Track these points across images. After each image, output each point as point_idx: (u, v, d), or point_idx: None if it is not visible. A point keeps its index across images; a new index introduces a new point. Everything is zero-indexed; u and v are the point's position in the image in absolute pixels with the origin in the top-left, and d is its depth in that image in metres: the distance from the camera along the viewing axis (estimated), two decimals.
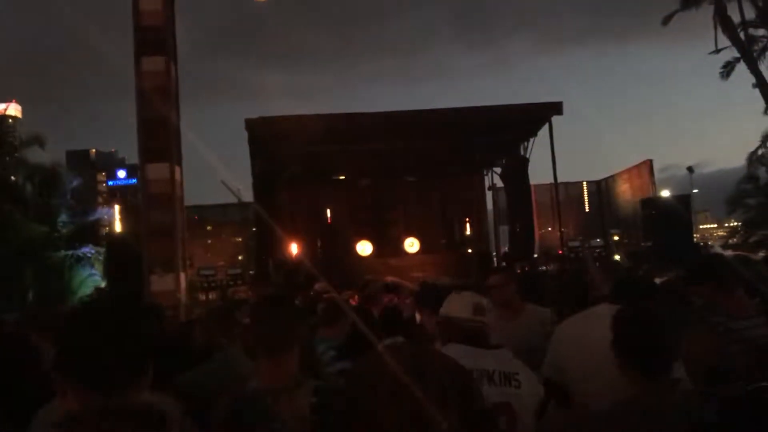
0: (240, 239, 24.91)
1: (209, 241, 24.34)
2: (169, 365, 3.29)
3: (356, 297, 7.79)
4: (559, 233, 18.68)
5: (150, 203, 9.56)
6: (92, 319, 1.75)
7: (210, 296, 15.99)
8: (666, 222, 16.35)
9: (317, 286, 8.19)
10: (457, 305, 3.14)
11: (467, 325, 3.04)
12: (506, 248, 21.24)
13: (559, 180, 17.97)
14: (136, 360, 1.67)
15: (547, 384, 3.11)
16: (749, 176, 20.64)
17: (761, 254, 13.30)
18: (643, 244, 17.64)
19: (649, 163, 20.44)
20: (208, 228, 24.36)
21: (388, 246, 20.14)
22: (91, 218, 21.41)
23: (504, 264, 20.01)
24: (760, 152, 20.61)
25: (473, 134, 17.23)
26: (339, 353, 4.38)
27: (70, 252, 19.03)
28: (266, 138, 16.32)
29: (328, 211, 20.55)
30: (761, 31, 21.01)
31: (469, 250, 20.45)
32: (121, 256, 12.05)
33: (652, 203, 17.48)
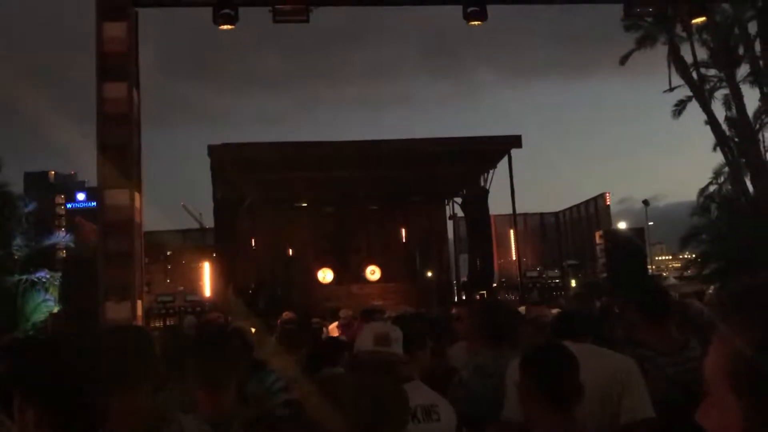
0: (200, 265, 24.64)
1: (169, 267, 24.03)
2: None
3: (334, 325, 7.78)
4: (517, 263, 18.96)
5: (108, 230, 9.48)
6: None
7: (168, 323, 15.77)
8: (622, 254, 16.72)
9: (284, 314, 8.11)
10: (362, 337, 2.98)
11: (370, 357, 2.85)
12: (466, 277, 21.44)
13: (518, 211, 18.30)
14: None
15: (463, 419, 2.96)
16: (701, 210, 21.23)
17: (712, 288, 13.72)
18: (598, 274, 17.98)
19: (605, 196, 20.96)
20: (168, 253, 24.06)
21: (350, 273, 20.18)
22: (48, 242, 21.01)
23: (463, 293, 20.23)
24: (711, 188, 21.32)
25: (435, 164, 17.48)
26: (287, 384, 4.40)
27: (24, 276, 18.65)
28: (228, 164, 16.35)
29: (290, 237, 20.52)
30: (712, 71, 21.82)
31: (430, 279, 20.58)
32: (76, 282, 11.86)
33: (608, 235, 17.88)
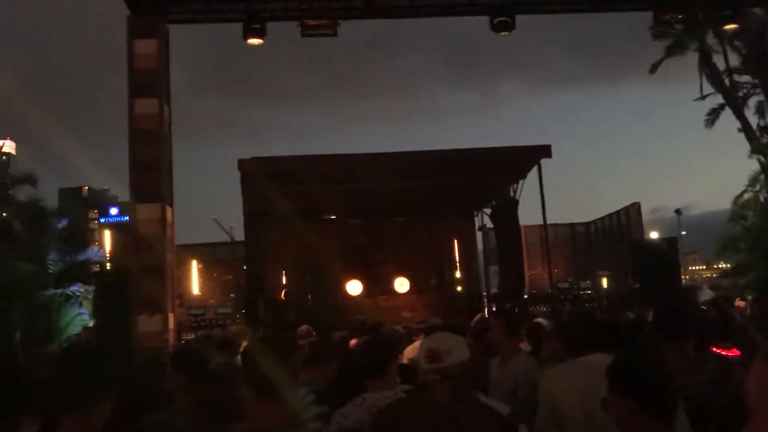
0: (231, 277, 24.85)
1: (200, 280, 24.23)
2: (136, 406, 3.32)
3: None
4: (548, 274, 18.75)
5: (140, 244, 9.59)
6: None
7: (199, 335, 15.89)
8: (655, 264, 16.47)
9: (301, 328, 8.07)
10: (418, 353, 2.90)
11: (426, 376, 2.78)
12: (496, 288, 21.26)
13: (549, 221, 18.10)
14: None
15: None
16: (737, 218, 20.83)
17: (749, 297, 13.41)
18: (631, 285, 17.71)
19: (637, 206, 20.64)
20: (199, 266, 24.29)
21: (378, 285, 20.14)
22: (82, 257, 21.32)
23: (493, 304, 20.06)
24: (746, 196, 20.88)
25: (464, 176, 17.40)
26: (318, 397, 4.32)
27: (58, 291, 18.93)
28: (258, 177, 16.44)
29: (319, 250, 20.56)
30: (745, 78, 21.47)
31: (459, 290, 20.47)
32: (110, 296, 12.01)
33: (641, 245, 17.63)
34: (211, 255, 24.36)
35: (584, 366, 3.18)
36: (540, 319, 7.81)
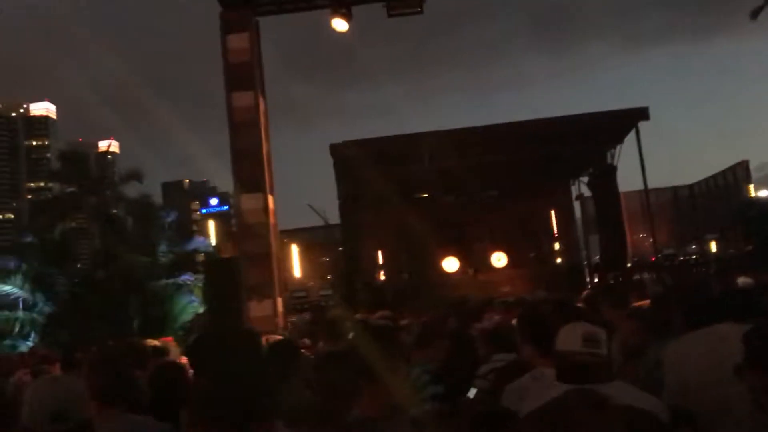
0: (327, 259, 25.41)
1: (299, 264, 24.91)
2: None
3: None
4: (651, 241, 18.15)
5: (246, 233, 9.96)
6: None
7: (304, 317, 16.36)
8: (766, 224, 15.65)
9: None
10: (566, 337, 2.84)
11: (576, 358, 2.73)
12: (597, 258, 20.76)
13: (649, 186, 17.49)
14: None
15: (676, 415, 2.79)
16: None
17: None
18: (742, 248, 16.90)
19: (745, 164, 19.62)
20: (298, 251, 24.94)
21: (475, 261, 20.02)
22: (189, 247, 22.33)
23: (596, 275, 19.60)
24: None
25: (558, 144, 17.01)
26: (433, 378, 4.30)
27: (170, 280, 19.93)
28: (349, 161, 16.68)
29: (413, 229, 20.66)
30: None
31: (559, 262, 20.11)
32: (219, 283, 12.54)
33: (750, 205, 16.77)
34: (308, 239, 24.98)
35: (708, 335, 3.09)
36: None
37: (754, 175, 19.36)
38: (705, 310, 3.37)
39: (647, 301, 6.47)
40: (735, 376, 2.30)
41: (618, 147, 17.40)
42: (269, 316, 9.39)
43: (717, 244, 19.60)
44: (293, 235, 23.62)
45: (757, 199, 17.82)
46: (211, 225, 56.21)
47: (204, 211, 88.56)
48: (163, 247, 21.03)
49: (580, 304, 7.14)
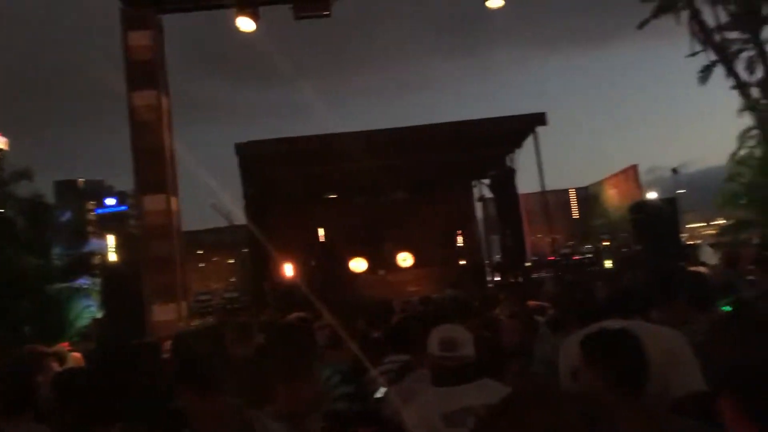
0: (232, 261, 25.03)
1: (201, 265, 24.39)
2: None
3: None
4: (549, 240, 18.93)
5: (148, 235, 9.69)
6: None
7: (207, 321, 16.04)
8: (654, 225, 16.57)
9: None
10: (429, 342, 2.94)
11: (435, 363, 2.85)
12: (498, 257, 21.45)
13: (548, 187, 18.21)
14: None
15: None
16: (735, 175, 20.93)
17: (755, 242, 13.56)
18: (632, 248, 17.87)
19: (635, 168, 20.79)
20: (199, 252, 24.43)
21: (382, 261, 20.28)
22: (85, 249, 21.44)
23: (497, 274, 20.27)
24: (741, 152, 20.94)
25: (460, 148, 17.46)
26: (344, 378, 4.45)
27: (66, 284, 19.07)
28: (256, 161, 16.51)
29: (321, 230, 20.68)
30: (735, 34, 21.39)
31: (463, 262, 20.63)
32: (118, 287, 12.14)
33: (639, 207, 17.73)
34: (211, 241, 24.49)
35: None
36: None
37: (644, 177, 20.54)
38: (594, 308, 3.61)
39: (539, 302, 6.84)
40: (572, 377, 2.48)
41: (517, 150, 18.04)
42: (172, 321, 9.18)
43: (609, 243, 20.65)
44: (195, 236, 23.10)
45: (646, 202, 18.86)
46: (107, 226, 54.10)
47: (99, 211, 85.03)
48: (57, 249, 20.08)
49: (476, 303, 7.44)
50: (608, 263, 18.88)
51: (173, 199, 9.99)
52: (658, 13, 21.88)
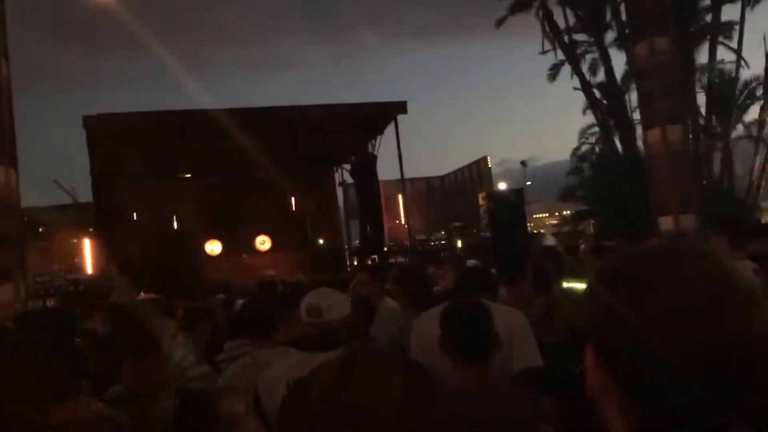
0: (76, 241, 23.58)
1: (43, 244, 22.80)
2: None
3: None
4: (406, 227, 19.44)
5: None
6: None
7: (49, 303, 15.02)
8: (503, 214, 17.46)
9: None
10: (301, 306, 3.03)
11: (303, 329, 2.93)
12: (357, 242, 21.75)
13: (406, 176, 18.68)
14: None
15: None
16: (574, 170, 22.49)
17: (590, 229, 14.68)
18: (483, 235, 18.73)
19: (486, 159, 21.81)
20: (41, 230, 22.84)
21: (239, 245, 19.92)
22: None
23: (355, 258, 20.54)
24: (583, 148, 22.56)
25: (322, 132, 17.48)
26: (198, 359, 4.41)
27: None
28: (105, 136, 15.61)
29: (175, 210, 19.95)
30: (582, 36, 22.91)
31: (322, 245, 20.71)
32: None
33: (490, 197, 18.60)
34: (53, 218, 22.89)
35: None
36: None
37: (495, 169, 21.57)
38: (427, 293, 3.86)
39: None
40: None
41: (379, 137, 18.35)
42: (11, 302, 8.51)
43: (460, 230, 21.50)
44: (36, 213, 21.52)
45: (496, 192, 19.83)
46: None
47: None
48: None
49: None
50: (460, 248, 19.68)
51: (11, 172, 9.24)
52: (513, 10, 22.95)
